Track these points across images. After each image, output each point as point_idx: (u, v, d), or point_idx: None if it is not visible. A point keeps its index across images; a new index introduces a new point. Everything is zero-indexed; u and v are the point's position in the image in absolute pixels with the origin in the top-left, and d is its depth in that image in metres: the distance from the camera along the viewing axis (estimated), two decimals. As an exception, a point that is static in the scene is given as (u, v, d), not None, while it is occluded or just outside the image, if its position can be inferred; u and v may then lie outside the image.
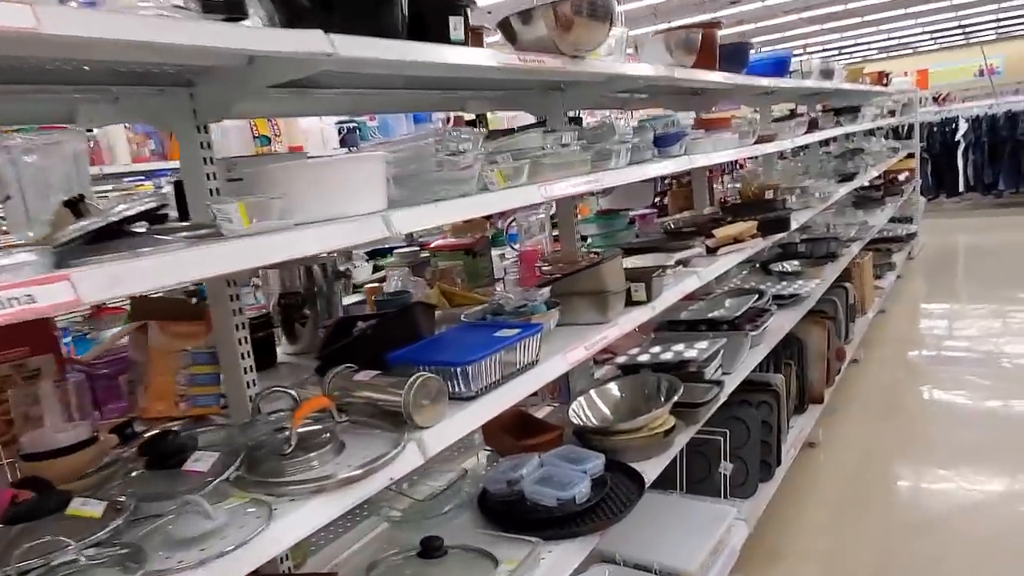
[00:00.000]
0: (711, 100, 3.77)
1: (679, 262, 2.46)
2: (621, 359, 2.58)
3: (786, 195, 4.13)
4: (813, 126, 4.23)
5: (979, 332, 5.32)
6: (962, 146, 10.72)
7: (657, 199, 4.26)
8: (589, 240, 3.19)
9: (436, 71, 1.76)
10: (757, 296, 3.14)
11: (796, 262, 4.13)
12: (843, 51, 24.04)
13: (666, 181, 4.32)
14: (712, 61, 2.91)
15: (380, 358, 1.48)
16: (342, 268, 2.17)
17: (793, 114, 4.50)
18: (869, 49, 24.66)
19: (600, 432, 2.12)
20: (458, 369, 1.41)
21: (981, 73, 18.28)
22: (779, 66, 3.88)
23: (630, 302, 2.11)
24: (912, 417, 3.94)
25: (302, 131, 5.33)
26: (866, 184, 7.61)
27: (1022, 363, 4.56)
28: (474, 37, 1.77)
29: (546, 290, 1.90)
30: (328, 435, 1.27)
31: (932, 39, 22.54)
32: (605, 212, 3.34)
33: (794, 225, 3.35)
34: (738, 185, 4.36)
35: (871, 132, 8.15)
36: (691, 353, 2.43)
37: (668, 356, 2.46)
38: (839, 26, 18.49)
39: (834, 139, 8.06)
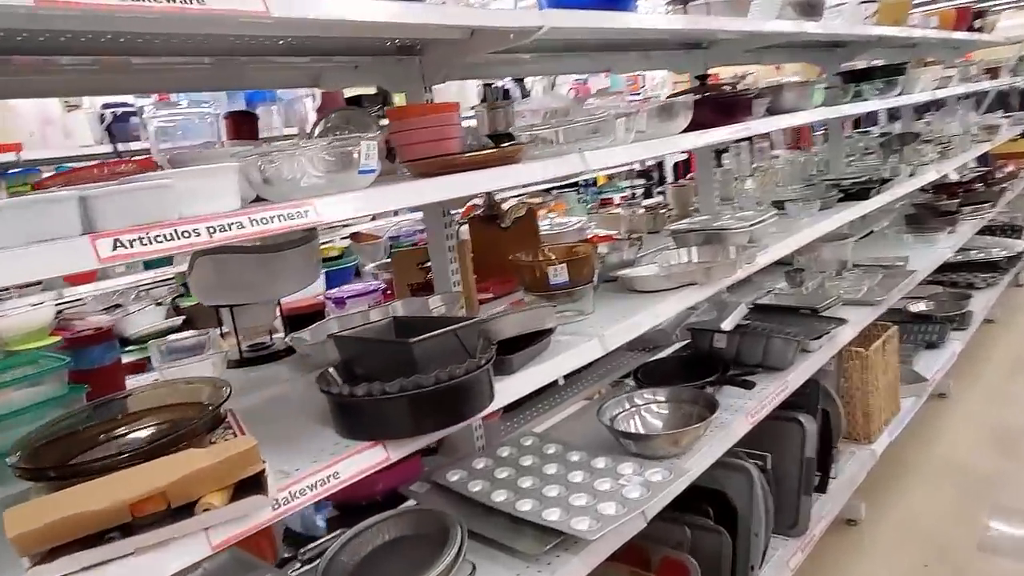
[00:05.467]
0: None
1: None
2: None
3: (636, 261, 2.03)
4: (723, 110, 2.05)
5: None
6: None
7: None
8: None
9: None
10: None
11: (662, 399, 2.00)
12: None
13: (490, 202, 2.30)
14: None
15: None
16: None
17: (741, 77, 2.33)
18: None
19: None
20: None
21: None
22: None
23: None
24: None
25: (19, 125, 3.64)
26: (948, 180, 5.10)
27: None
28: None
29: None
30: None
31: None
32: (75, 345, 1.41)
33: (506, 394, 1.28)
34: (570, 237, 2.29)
35: (960, 100, 5.53)
36: None
37: None
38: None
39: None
